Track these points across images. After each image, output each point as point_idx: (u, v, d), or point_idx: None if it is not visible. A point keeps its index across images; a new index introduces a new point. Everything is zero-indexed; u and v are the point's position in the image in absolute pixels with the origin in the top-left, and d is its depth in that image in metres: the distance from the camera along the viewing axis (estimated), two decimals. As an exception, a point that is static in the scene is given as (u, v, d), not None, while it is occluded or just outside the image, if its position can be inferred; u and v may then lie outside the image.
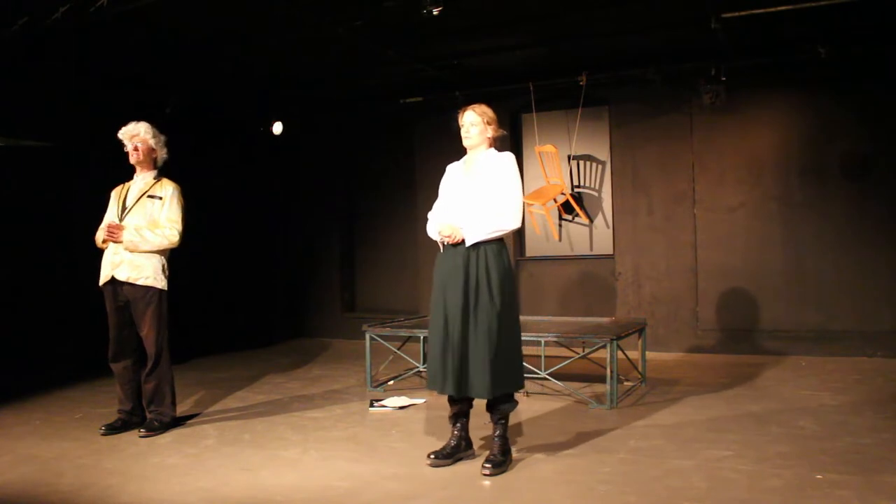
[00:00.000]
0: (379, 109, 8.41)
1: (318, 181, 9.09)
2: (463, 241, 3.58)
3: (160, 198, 4.44)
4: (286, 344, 8.54)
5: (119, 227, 4.33)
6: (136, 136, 4.45)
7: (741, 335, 7.09)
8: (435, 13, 5.13)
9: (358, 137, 8.89)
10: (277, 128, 8.21)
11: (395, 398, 5.26)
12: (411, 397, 5.27)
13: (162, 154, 4.57)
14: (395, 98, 8.06)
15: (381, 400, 5.22)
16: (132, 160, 4.48)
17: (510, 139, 7.98)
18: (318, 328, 9.01)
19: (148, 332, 4.37)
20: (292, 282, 9.15)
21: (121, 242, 4.32)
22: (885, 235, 6.61)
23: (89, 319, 5.77)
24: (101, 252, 4.47)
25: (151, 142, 4.49)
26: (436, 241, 3.74)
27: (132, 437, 4.31)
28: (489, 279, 3.55)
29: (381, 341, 5.86)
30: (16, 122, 6.14)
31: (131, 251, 4.32)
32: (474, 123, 3.67)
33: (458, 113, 3.75)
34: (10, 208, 6.22)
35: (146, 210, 4.40)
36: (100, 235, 4.43)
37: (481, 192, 3.61)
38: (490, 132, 3.69)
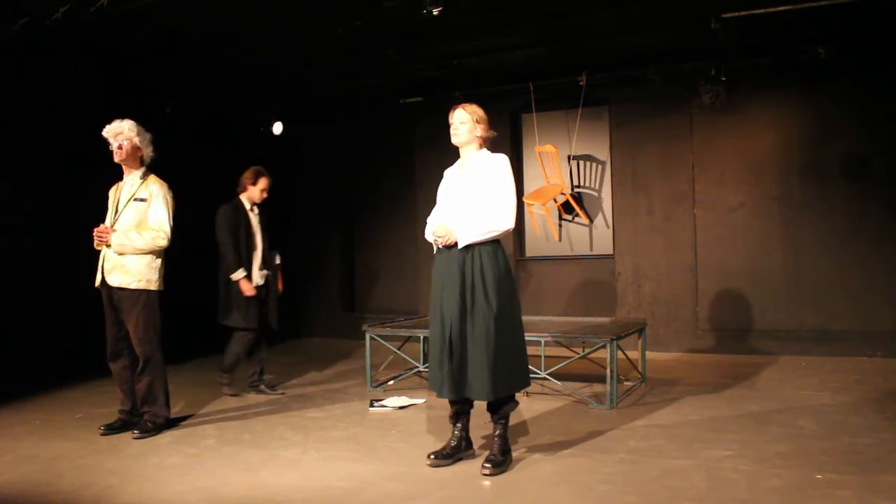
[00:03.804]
0: (379, 109, 8.42)
1: (318, 181, 9.10)
2: (457, 244, 3.59)
3: (144, 199, 4.40)
4: (286, 344, 8.54)
5: (106, 231, 4.32)
6: (121, 133, 4.35)
7: (741, 335, 7.09)
8: (435, 13, 5.14)
9: (358, 137, 8.89)
10: (277, 128, 8.21)
11: (395, 398, 5.26)
12: (411, 397, 5.27)
13: (148, 152, 4.48)
14: (395, 98, 8.07)
15: (381, 400, 5.22)
16: (116, 159, 4.39)
17: (510, 139, 7.99)
18: (318, 328, 9.01)
19: (134, 331, 4.34)
20: (292, 282, 9.14)
21: (110, 246, 4.32)
22: (885, 236, 6.61)
23: (89, 319, 5.77)
24: (99, 252, 4.47)
25: (136, 140, 4.39)
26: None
27: (132, 437, 4.31)
28: (484, 281, 3.55)
29: (381, 341, 5.86)
30: (16, 122, 6.14)
31: (120, 254, 4.32)
32: (463, 121, 3.68)
33: (449, 111, 3.76)
34: (11, 208, 6.22)
35: (135, 214, 4.37)
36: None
37: (475, 194, 3.61)
38: (479, 131, 3.69)
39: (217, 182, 8.05)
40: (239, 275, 5.38)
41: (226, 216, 5.46)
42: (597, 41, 6.51)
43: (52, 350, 6.37)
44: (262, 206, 5.62)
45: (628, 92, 7.45)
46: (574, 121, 7.51)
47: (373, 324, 5.99)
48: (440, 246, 3.67)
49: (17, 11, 5.14)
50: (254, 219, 5.57)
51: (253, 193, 5.54)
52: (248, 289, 5.38)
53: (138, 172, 4.46)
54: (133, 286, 4.32)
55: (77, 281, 5.44)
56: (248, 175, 5.55)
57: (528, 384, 3.79)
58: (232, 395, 5.48)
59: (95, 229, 4.37)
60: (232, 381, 5.54)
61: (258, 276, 5.53)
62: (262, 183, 5.54)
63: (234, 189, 5.63)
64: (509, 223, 3.60)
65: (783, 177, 7.03)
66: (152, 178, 4.48)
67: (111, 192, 4.55)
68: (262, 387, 5.62)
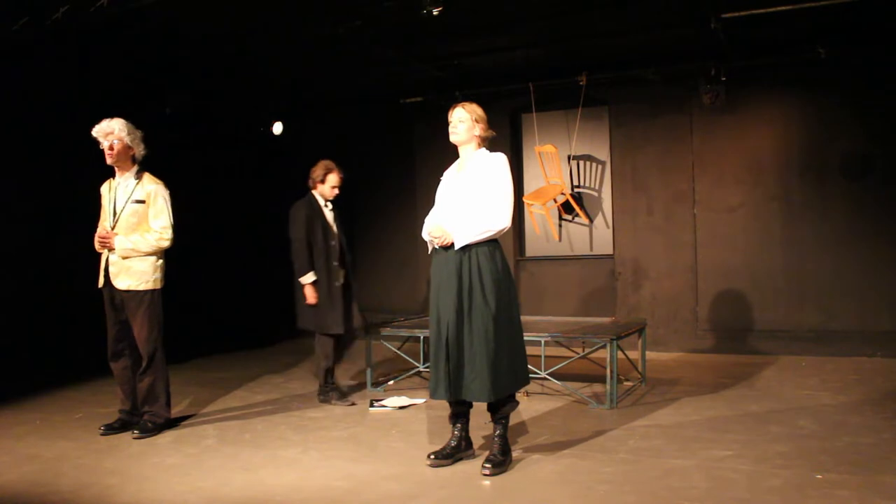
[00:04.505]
0: (379, 109, 8.42)
1: (318, 181, 9.09)
2: (453, 244, 3.59)
3: (142, 201, 4.37)
4: (286, 344, 8.53)
5: (109, 236, 4.31)
6: (111, 133, 4.31)
7: (741, 335, 7.08)
8: (435, 13, 5.14)
9: (358, 137, 8.88)
10: (277, 128, 8.21)
11: (395, 398, 5.26)
12: (411, 397, 5.27)
13: (140, 150, 4.43)
14: (395, 98, 8.06)
15: (381, 400, 5.22)
16: (108, 161, 4.35)
17: (510, 139, 7.99)
18: (318, 328, 8.99)
19: (140, 331, 4.35)
20: (292, 281, 9.14)
21: (114, 251, 4.32)
22: (884, 236, 6.61)
23: (89, 319, 5.78)
24: (100, 253, 4.46)
25: (127, 139, 4.34)
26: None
27: (132, 437, 4.31)
28: (482, 281, 3.54)
29: (382, 341, 5.86)
30: (16, 122, 6.14)
31: (125, 258, 4.32)
32: (462, 120, 3.68)
33: (448, 111, 3.76)
34: (11, 208, 6.23)
35: (134, 215, 4.36)
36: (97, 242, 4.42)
37: (471, 193, 3.61)
38: (478, 131, 3.70)
39: (217, 182, 8.10)
40: (308, 279, 5.12)
41: (300, 213, 5.18)
42: (597, 41, 6.51)
43: (52, 350, 6.37)
44: (335, 201, 5.33)
45: (628, 92, 7.44)
46: (574, 121, 7.51)
47: (373, 323, 5.98)
48: (436, 246, 3.67)
49: (18, 11, 5.14)
50: (329, 215, 5.29)
51: (324, 191, 5.26)
52: (311, 296, 5.12)
53: (132, 172, 4.42)
54: (140, 287, 4.33)
55: (77, 281, 5.45)
56: (317, 172, 5.25)
57: (528, 383, 3.79)
58: (349, 405, 5.11)
59: (98, 235, 4.36)
60: (338, 391, 5.24)
61: (339, 274, 5.26)
62: (332, 179, 5.24)
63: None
64: (505, 222, 3.59)
65: (783, 177, 7.03)
66: (148, 178, 4.45)
67: (104, 191, 4.51)
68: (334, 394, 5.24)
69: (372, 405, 5.08)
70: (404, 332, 5.83)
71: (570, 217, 7.94)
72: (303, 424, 4.61)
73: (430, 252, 3.75)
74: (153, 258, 4.39)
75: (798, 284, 6.94)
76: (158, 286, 4.42)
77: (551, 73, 7.26)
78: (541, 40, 6.56)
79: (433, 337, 3.65)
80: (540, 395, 5.26)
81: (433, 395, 3.64)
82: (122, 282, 4.31)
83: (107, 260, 4.36)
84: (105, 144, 4.34)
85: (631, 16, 5.90)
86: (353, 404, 5.15)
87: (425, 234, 3.74)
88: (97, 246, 4.40)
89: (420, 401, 5.15)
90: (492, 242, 3.62)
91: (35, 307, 6.36)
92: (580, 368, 5.80)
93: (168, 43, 6.08)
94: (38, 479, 3.57)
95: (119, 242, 4.29)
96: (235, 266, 8.47)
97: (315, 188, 5.29)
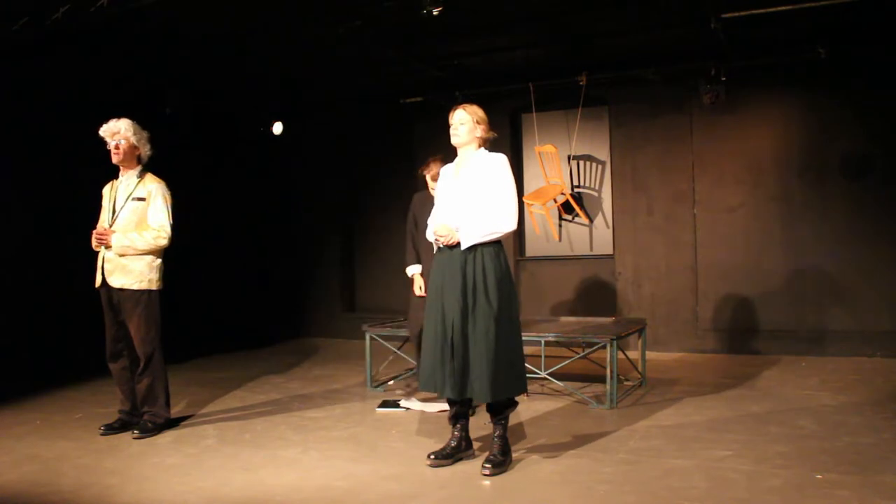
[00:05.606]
0: (379, 109, 8.42)
1: (318, 181, 9.10)
2: (459, 244, 3.59)
3: (143, 199, 4.38)
4: (286, 344, 8.54)
5: (106, 233, 4.31)
6: (118, 133, 4.33)
7: (741, 335, 7.08)
8: (435, 13, 5.14)
9: (358, 137, 8.89)
10: (277, 128, 8.22)
11: (412, 401, 5.05)
12: (423, 401, 5.02)
13: (145, 151, 4.45)
14: (395, 98, 8.06)
15: (394, 402, 5.08)
16: (114, 160, 4.37)
17: (510, 139, 7.99)
18: (318, 328, 9.01)
19: (136, 332, 4.34)
20: (292, 282, 9.16)
21: (111, 248, 4.31)
22: (884, 236, 6.61)
23: (89, 319, 5.78)
24: (97, 252, 4.46)
25: (133, 139, 4.37)
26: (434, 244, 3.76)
27: (132, 437, 4.31)
28: (486, 282, 3.55)
29: (381, 341, 5.86)
30: (16, 123, 6.14)
31: (121, 255, 4.32)
32: (463, 122, 3.68)
33: (449, 111, 3.76)
34: (11, 208, 6.22)
35: (133, 213, 4.36)
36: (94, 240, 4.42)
37: (474, 193, 3.61)
38: (479, 132, 3.70)
39: (217, 182, 8.10)
40: (410, 271, 5.06)
41: (412, 205, 5.03)
42: (597, 41, 6.52)
43: (52, 350, 6.37)
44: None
45: (628, 92, 7.44)
46: (574, 121, 7.51)
47: (373, 324, 5.98)
48: (441, 245, 3.67)
49: (18, 11, 5.14)
50: None
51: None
52: (416, 289, 5.00)
53: (135, 171, 4.44)
54: (135, 287, 4.32)
55: (76, 281, 5.45)
56: (429, 164, 4.95)
57: (525, 390, 3.77)
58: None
59: (95, 231, 4.36)
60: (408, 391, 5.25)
61: None
62: (432, 168, 4.89)
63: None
64: (512, 224, 3.61)
65: (783, 177, 7.03)
66: (149, 177, 4.46)
67: (105, 191, 4.52)
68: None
69: (391, 406, 4.97)
70: (404, 332, 5.82)
71: (570, 217, 7.94)
72: (303, 424, 4.61)
73: (434, 251, 3.76)
74: (150, 258, 4.38)
75: (798, 284, 6.94)
76: (155, 287, 4.40)
77: (551, 73, 7.26)
78: (541, 40, 6.57)
79: (435, 335, 3.63)
80: (540, 395, 5.26)
81: (441, 394, 3.63)
82: (116, 280, 4.30)
83: (103, 258, 4.36)
84: (111, 144, 4.37)
85: (631, 16, 5.90)
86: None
87: (430, 235, 3.75)
88: (94, 243, 4.39)
89: (432, 409, 4.90)
90: (497, 243, 3.64)
91: (35, 307, 6.35)
92: (580, 368, 5.80)
93: (168, 43, 6.08)
94: (38, 479, 3.57)
95: (116, 239, 4.28)
96: (235, 266, 8.47)
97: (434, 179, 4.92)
